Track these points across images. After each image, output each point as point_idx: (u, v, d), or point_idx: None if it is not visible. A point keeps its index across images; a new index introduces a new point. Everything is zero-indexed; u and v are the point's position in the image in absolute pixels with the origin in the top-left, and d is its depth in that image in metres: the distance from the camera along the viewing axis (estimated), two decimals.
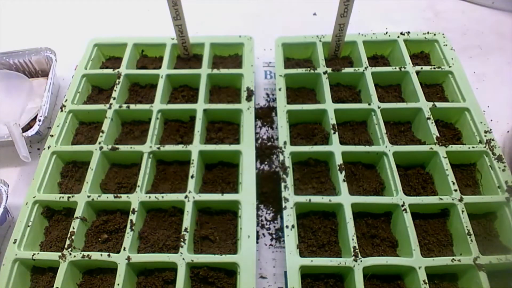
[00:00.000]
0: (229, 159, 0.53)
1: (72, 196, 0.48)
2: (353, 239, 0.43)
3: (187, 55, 0.64)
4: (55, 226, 0.49)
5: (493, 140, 0.50)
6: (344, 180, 0.48)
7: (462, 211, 0.45)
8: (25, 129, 0.58)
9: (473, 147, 0.50)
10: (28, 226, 0.47)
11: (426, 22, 0.75)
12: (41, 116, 0.57)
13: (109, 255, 0.44)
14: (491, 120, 0.59)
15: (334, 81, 0.59)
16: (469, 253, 0.43)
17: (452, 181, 0.47)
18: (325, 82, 0.57)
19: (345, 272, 0.43)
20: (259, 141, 0.58)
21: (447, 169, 0.48)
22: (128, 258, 0.43)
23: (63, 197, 0.48)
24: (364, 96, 0.58)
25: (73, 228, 0.46)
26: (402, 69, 0.58)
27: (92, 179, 0.50)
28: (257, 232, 0.50)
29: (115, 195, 0.48)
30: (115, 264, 0.43)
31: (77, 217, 0.46)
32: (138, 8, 0.80)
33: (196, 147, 0.51)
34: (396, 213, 0.47)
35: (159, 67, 0.60)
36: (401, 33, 0.62)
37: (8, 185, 0.50)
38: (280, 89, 0.56)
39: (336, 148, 0.50)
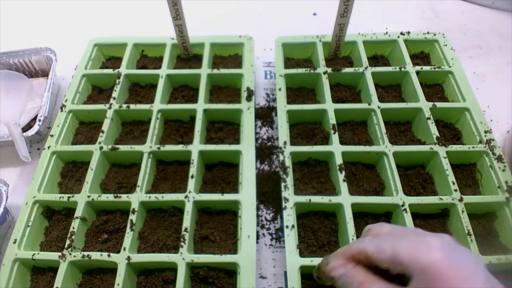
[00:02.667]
0: (229, 159, 0.53)
1: (72, 196, 0.48)
2: (353, 239, 0.43)
3: (187, 55, 0.64)
4: (55, 226, 0.49)
5: (493, 140, 0.50)
6: (344, 180, 0.48)
7: (462, 211, 0.45)
8: (25, 129, 0.58)
9: (473, 147, 0.50)
10: (28, 226, 0.47)
11: (426, 22, 0.75)
12: (41, 116, 0.57)
13: (109, 255, 0.44)
14: (491, 120, 0.59)
15: (334, 81, 0.59)
16: None
17: (452, 181, 0.47)
18: (325, 82, 0.57)
19: None
20: (259, 141, 0.58)
21: (447, 169, 0.48)
22: (128, 258, 0.43)
23: (63, 197, 0.48)
24: (364, 96, 0.58)
25: (73, 228, 0.46)
26: (402, 69, 0.58)
27: (92, 179, 0.50)
28: (257, 232, 0.50)
29: (115, 195, 0.48)
30: (115, 264, 0.43)
31: (77, 217, 0.46)
32: (138, 8, 0.80)
33: (196, 147, 0.51)
34: (396, 213, 0.47)
35: (159, 67, 0.60)
36: (401, 33, 0.62)
37: (8, 185, 0.50)
38: (280, 89, 0.56)
39: (336, 148, 0.50)
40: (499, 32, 0.72)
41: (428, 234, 0.31)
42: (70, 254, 0.44)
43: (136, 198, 0.48)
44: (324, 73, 0.58)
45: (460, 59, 0.59)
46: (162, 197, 0.48)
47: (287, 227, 0.45)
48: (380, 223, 0.35)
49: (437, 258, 0.28)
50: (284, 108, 0.55)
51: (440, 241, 0.29)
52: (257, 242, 0.49)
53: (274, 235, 0.50)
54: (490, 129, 0.52)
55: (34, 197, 0.49)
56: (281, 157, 0.50)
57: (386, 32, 0.63)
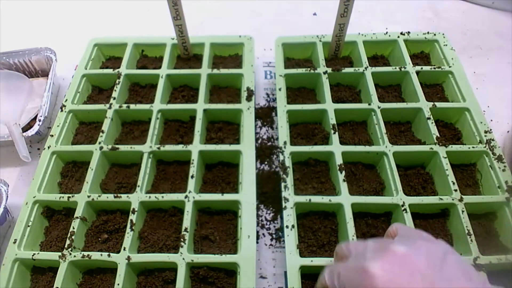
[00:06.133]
0: (229, 159, 0.53)
1: (72, 196, 0.48)
2: (353, 239, 0.43)
3: (187, 55, 0.64)
4: (55, 226, 0.49)
5: (493, 140, 0.50)
6: (344, 180, 0.48)
7: (462, 211, 0.45)
8: (25, 129, 0.58)
9: (473, 147, 0.50)
10: (28, 226, 0.47)
11: (426, 22, 0.75)
12: (41, 116, 0.57)
13: (109, 255, 0.44)
14: (491, 120, 0.59)
15: (334, 81, 0.59)
16: (469, 253, 0.43)
17: (452, 181, 0.47)
18: (325, 82, 0.57)
19: None
20: (259, 141, 0.58)
21: (447, 169, 0.48)
22: (128, 258, 0.43)
23: (63, 197, 0.48)
24: (364, 96, 0.58)
25: (73, 228, 0.46)
26: (402, 69, 0.58)
27: (92, 179, 0.50)
28: (257, 232, 0.50)
29: (115, 195, 0.48)
30: (115, 264, 0.43)
31: (77, 217, 0.46)
32: (138, 8, 0.80)
33: (196, 147, 0.51)
34: (396, 213, 0.47)
35: (159, 67, 0.60)
36: (401, 33, 0.62)
37: (8, 185, 0.50)
38: (280, 89, 0.56)
39: (336, 148, 0.50)
40: (499, 32, 0.72)
41: (382, 250, 0.29)
42: (70, 254, 0.44)
43: (136, 198, 0.48)
44: (324, 73, 0.58)
45: (460, 59, 0.59)
46: (162, 197, 0.48)
47: (287, 227, 0.45)
48: (347, 242, 0.34)
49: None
50: (284, 108, 0.55)
51: (380, 268, 0.27)
52: (257, 242, 0.49)
53: (274, 235, 0.50)
54: (490, 129, 0.51)
55: (34, 197, 0.49)
56: (281, 157, 0.50)
57: (386, 32, 0.63)
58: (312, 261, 0.42)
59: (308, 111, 0.55)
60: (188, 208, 0.46)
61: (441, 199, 0.46)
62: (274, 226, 0.51)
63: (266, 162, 0.56)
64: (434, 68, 0.58)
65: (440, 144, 0.50)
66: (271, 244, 0.50)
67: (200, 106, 0.55)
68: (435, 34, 0.62)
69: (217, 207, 0.49)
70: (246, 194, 0.47)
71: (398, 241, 0.30)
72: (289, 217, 0.45)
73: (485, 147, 0.50)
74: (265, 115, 0.62)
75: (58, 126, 0.55)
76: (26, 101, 0.61)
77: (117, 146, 0.52)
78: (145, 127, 0.56)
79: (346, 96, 0.58)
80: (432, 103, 0.54)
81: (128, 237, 0.45)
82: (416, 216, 0.47)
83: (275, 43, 0.62)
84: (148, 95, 0.60)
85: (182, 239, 0.44)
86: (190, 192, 0.48)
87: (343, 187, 0.47)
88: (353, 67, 0.60)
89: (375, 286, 0.27)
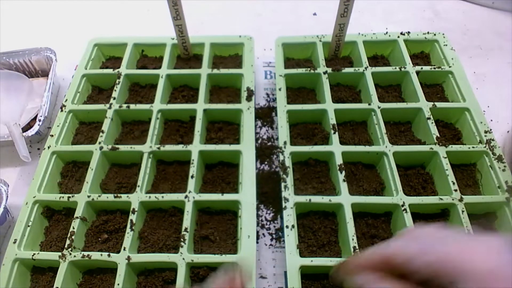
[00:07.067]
0: (229, 159, 0.53)
1: (72, 196, 0.48)
2: (353, 239, 0.43)
3: (187, 55, 0.64)
4: (55, 226, 0.49)
5: (493, 140, 0.50)
6: (344, 180, 0.48)
7: (462, 211, 0.45)
8: (25, 129, 0.58)
9: (473, 147, 0.50)
10: (28, 226, 0.47)
11: (426, 22, 0.75)
12: (41, 116, 0.57)
13: (109, 255, 0.44)
14: (491, 120, 0.59)
15: (334, 81, 0.59)
16: None
17: (452, 181, 0.47)
18: (325, 82, 0.57)
19: None
20: (259, 141, 0.58)
21: (447, 169, 0.48)
22: (128, 258, 0.43)
23: (63, 197, 0.48)
24: (364, 96, 0.58)
25: (73, 228, 0.46)
26: (402, 69, 0.58)
27: (92, 179, 0.50)
28: (257, 232, 0.50)
29: (115, 195, 0.48)
30: (115, 264, 0.43)
31: (77, 217, 0.46)
32: (138, 8, 0.80)
33: (196, 147, 0.51)
34: (396, 213, 0.47)
35: (159, 67, 0.60)
36: (401, 33, 0.62)
37: (8, 185, 0.50)
38: (280, 89, 0.56)
39: (336, 148, 0.50)
40: (499, 32, 0.72)
41: (482, 235, 0.27)
42: (70, 254, 0.44)
43: (136, 198, 0.48)
44: (324, 73, 0.58)
45: (460, 59, 0.59)
46: (162, 197, 0.48)
47: (287, 227, 0.45)
48: (414, 227, 0.31)
49: (496, 263, 0.24)
50: (284, 108, 0.55)
51: (502, 242, 0.25)
52: (257, 242, 0.49)
53: (274, 235, 0.50)
54: (490, 129, 0.52)
55: (34, 197, 0.49)
56: (281, 157, 0.50)
57: (386, 32, 0.63)
58: (312, 261, 0.42)
59: (308, 111, 0.55)
60: (188, 208, 0.46)
61: (441, 199, 0.46)
62: (274, 226, 0.51)
63: (266, 162, 0.56)
64: (434, 68, 0.58)
65: (440, 144, 0.50)
66: (271, 244, 0.50)
67: (200, 106, 0.55)
68: (435, 34, 0.62)
69: (217, 207, 0.49)
70: (246, 194, 0.47)
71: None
72: (289, 217, 0.45)
73: (485, 147, 0.50)
74: (265, 115, 0.62)
75: (58, 126, 0.55)
76: (26, 101, 0.61)
77: (117, 146, 0.52)
78: (145, 127, 0.56)
79: (346, 96, 0.58)
80: (432, 103, 0.54)
81: (128, 237, 0.45)
82: (416, 216, 0.47)
83: (275, 43, 0.62)
84: (148, 95, 0.60)
85: (182, 239, 0.44)
86: (190, 192, 0.48)
87: (343, 187, 0.47)
88: (353, 67, 0.60)
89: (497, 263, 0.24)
